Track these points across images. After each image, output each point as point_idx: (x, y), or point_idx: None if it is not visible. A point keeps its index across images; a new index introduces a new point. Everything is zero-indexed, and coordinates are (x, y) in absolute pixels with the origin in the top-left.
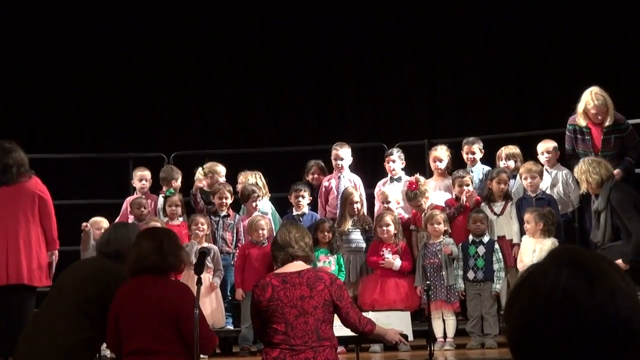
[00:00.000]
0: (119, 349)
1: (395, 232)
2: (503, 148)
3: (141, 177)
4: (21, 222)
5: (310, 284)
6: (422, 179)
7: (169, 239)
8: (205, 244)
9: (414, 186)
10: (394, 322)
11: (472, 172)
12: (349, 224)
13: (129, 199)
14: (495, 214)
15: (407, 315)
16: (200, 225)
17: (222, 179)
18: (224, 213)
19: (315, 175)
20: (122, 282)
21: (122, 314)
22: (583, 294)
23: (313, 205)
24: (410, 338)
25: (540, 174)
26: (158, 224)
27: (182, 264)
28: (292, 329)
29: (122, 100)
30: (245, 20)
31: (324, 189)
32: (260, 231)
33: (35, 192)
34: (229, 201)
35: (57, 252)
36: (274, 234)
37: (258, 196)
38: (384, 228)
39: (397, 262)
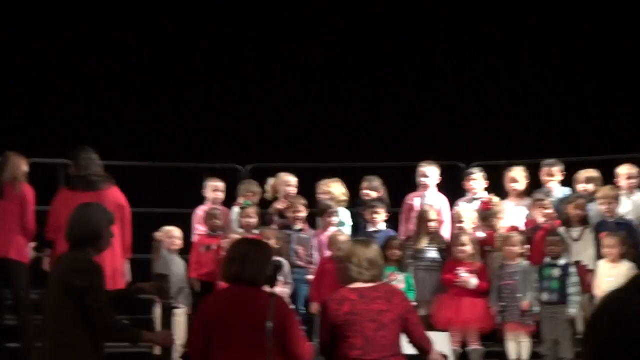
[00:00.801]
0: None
1: (473, 252)
2: (582, 171)
3: (215, 188)
4: None
5: (388, 298)
6: (496, 199)
7: (262, 252)
8: (275, 258)
9: (487, 206)
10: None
11: (552, 194)
12: (424, 242)
13: (200, 208)
14: (573, 239)
15: (446, 335)
16: (270, 239)
17: (293, 189)
18: (298, 227)
19: (365, 191)
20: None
21: (217, 323)
22: None
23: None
24: (451, 359)
25: (617, 199)
26: (238, 237)
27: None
28: (371, 344)
29: (198, 111)
30: (326, 34)
31: (407, 207)
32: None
33: (117, 200)
34: (303, 215)
35: (128, 261)
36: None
37: (334, 212)
38: (461, 247)
39: (473, 281)
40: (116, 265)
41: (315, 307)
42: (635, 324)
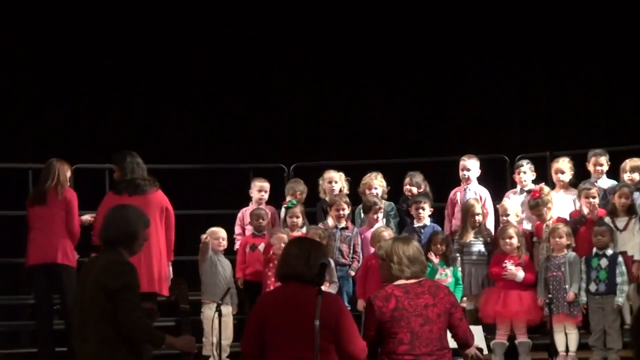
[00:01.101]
0: (257, 359)
1: (519, 244)
2: (628, 160)
3: (260, 188)
4: (152, 231)
5: (432, 292)
6: (546, 188)
7: (316, 251)
8: None
9: (537, 195)
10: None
11: (597, 183)
12: (470, 236)
13: (245, 209)
14: (617, 229)
15: (479, 329)
16: (317, 238)
17: (336, 186)
18: (342, 225)
19: (408, 187)
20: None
21: (273, 322)
22: None
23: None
24: (485, 352)
25: None
26: (284, 236)
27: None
28: (418, 338)
29: (242, 111)
30: (365, 31)
31: (450, 201)
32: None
33: (162, 203)
34: (347, 212)
35: (170, 263)
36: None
37: (380, 208)
38: (507, 240)
39: (520, 274)
40: (162, 269)
41: (361, 304)
42: None
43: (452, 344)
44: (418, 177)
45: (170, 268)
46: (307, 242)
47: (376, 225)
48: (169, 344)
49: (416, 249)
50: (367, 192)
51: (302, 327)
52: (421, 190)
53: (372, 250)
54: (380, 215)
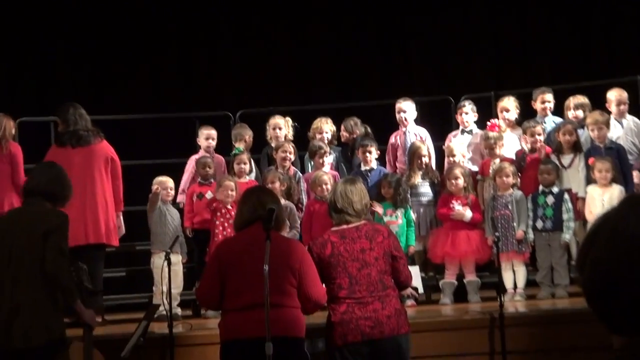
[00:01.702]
0: (217, 304)
1: (465, 184)
2: (571, 98)
3: (207, 136)
4: (97, 182)
5: (369, 237)
6: (503, 125)
7: (280, 202)
8: (282, 201)
9: (494, 128)
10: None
11: (544, 122)
12: (417, 178)
13: (194, 157)
14: (563, 166)
15: (416, 269)
16: (274, 184)
17: (281, 132)
18: (284, 171)
19: (344, 134)
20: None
21: (233, 267)
22: None
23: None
24: (420, 291)
25: (607, 124)
26: (231, 183)
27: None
28: (357, 283)
29: (187, 60)
30: None
31: (390, 146)
32: (324, 186)
33: (107, 154)
34: (291, 157)
35: (121, 214)
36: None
37: (324, 152)
38: (453, 181)
39: (467, 214)
40: (109, 220)
41: None
42: (637, 241)
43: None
44: (350, 122)
45: (121, 219)
46: (257, 190)
47: (326, 170)
48: (77, 308)
49: (363, 195)
50: (318, 136)
51: (262, 271)
52: (356, 135)
53: (314, 195)
54: (327, 159)
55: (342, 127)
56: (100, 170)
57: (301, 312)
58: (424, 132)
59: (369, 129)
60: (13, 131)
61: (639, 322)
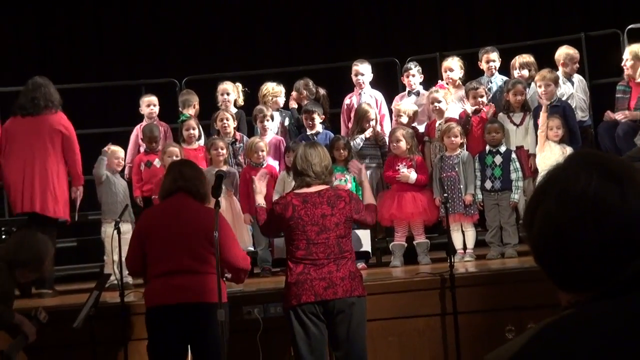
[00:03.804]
0: (141, 272)
1: (408, 146)
2: (517, 57)
3: (148, 103)
4: (39, 152)
5: (331, 203)
6: (451, 87)
7: (203, 175)
8: (224, 168)
9: (445, 86)
10: (354, 239)
11: (490, 82)
12: (358, 140)
13: (137, 127)
14: (514, 124)
15: (366, 233)
16: (219, 149)
17: (230, 97)
18: (229, 138)
19: (294, 94)
20: None
21: (153, 235)
22: (615, 199)
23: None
24: (370, 252)
25: (556, 82)
26: (177, 149)
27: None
28: (314, 245)
29: (131, 26)
30: None
31: (345, 107)
32: (260, 152)
33: (58, 126)
34: (230, 123)
35: (82, 188)
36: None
37: (265, 116)
38: (395, 144)
39: (412, 176)
40: (56, 192)
41: (247, 218)
42: (587, 199)
43: (361, 247)
44: (300, 82)
45: (80, 191)
46: (179, 162)
47: (270, 135)
48: (17, 320)
49: (323, 156)
50: (268, 100)
51: (181, 238)
52: (305, 97)
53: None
54: (269, 124)
55: (294, 88)
56: (48, 141)
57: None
58: (379, 96)
59: (321, 90)
60: None
61: (587, 278)
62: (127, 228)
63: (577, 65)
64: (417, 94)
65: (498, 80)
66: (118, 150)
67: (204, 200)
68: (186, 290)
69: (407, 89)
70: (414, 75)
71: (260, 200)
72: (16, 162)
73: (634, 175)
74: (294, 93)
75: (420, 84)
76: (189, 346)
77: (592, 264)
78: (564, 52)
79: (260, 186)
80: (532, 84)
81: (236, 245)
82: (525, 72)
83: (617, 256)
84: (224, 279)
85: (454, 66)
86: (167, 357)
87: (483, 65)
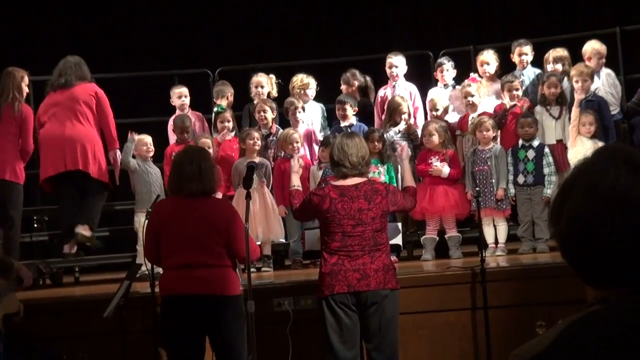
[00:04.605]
0: (158, 262)
1: (441, 140)
2: (550, 51)
3: (179, 94)
4: (75, 119)
5: (368, 197)
6: (483, 81)
7: (205, 162)
8: (257, 159)
9: (477, 80)
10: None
11: (522, 75)
12: (391, 132)
13: (173, 117)
14: (553, 117)
15: (397, 225)
16: (255, 139)
17: (264, 90)
18: (266, 130)
19: (343, 86)
20: None
21: (166, 230)
22: None
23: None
24: (401, 245)
25: (592, 76)
26: (208, 141)
27: (217, 186)
28: (350, 237)
29: (164, 16)
30: None
31: (379, 99)
32: (295, 144)
33: (91, 92)
34: (269, 115)
35: (118, 151)
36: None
37: (296, 108)
38: (428, 137)
39: (445, 169)
40: (96, 155)
41: (281, 210)
42: (615, 193)
43: (392, 240)
44: (347, 74)
45: (118, 155)
46: (196, 156)
47: (301, 127)
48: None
49: (360, 146)
50: (298, 92)
51: (193, 232)
52: (354, 87)
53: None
54: (300, 115)
55: (341, 81)
56: (82, 110)
57: (231, 271)
58: (413, 88)
59: (368, 80)
60: (27, 89)
61: (614, 275)
62: None
63: (604, 60)
64: (453, 87)
65: (530, 73)
66: (145, 137)
67: (210, 194)
68: (202, 281)
69: (440, 84)
70: (447, 70)
71: (296, 181)
72: (53, 129)
73: None
74: (343, 86)
75: (454, 78)
76: (206, 337)
77: (619, 260)
78: (590, 46)
79: (297, 165)
80: (565, 79)
81: (244, 238)
82: (559, 66)
83: None
84: (238, 270)
85: (489, 59)
86: (183, 348)
87: (515, 59)
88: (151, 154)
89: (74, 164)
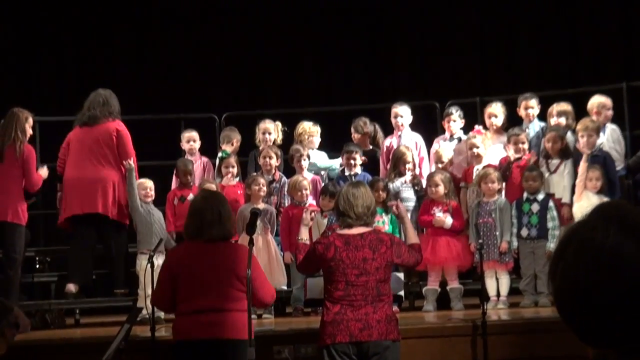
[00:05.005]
0: (169, 308)
1: (446, 191)
2: (554, 105)
3: (188, 139)
4: (96, 160)
5: (373, 247)
6: (489, 133)
7: (224, 207)
8: (261, 205)
9: (482, 132)
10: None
11: (528, 128)
12: (397, 182)
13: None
14: (548, 170)
15: (400, 276)
16: (261, 185)
17: (270, 137)
18: (270, 176)
19: (355, 135)
20: None
21: (186, 274)
22: (631, 252)
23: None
24: (402, 296)
25: (598, 131)
26: (213, 186)
27: (234, 230)
28: (353, 287)
29: (173, 61)
30: None
31: (385, 149)
32: (303, 191)
33: (112, 132)
34: (274, 162)
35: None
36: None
37: (301, 155)
38: (433, 188)
39: (448, 221)
40: (115, 196)
41: (287, 257)
42: (603, 252)
43: (394, 290)
44: (359, 122)
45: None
46: (216, 202)
47: (306, 174)
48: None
49: (367, 197)
50: (306, 138)
51: (211, 278)
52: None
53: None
54: (305, 163)
55: (352, 129)
56: (102, 152)
57: (246, 314)
58: (419, 138)
59: (377, 128)
60: (30, 130)
61: (607, 335)
62: (161, 262)
63: (611, 111)
64: (459, 140)
65: (536, 126)
66: (145, 181)
67: (229, 238)
68: (215, 326)
69: (448, 134)
70: (455, 121)
71: (304, 234)
72: (75, 169)
73: None
74: (355, 134)
75: (461, 129)
76: None
77: (610, 320)
78: (596, 100)
79: (308, 218)
80: (569, 133)
81: (267, 282)
82: (563, 120)
83: (636, 312)
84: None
85: (497, 112)
86: None
87: (522, 112)
88: (150, 198)
89: (93, 207)
